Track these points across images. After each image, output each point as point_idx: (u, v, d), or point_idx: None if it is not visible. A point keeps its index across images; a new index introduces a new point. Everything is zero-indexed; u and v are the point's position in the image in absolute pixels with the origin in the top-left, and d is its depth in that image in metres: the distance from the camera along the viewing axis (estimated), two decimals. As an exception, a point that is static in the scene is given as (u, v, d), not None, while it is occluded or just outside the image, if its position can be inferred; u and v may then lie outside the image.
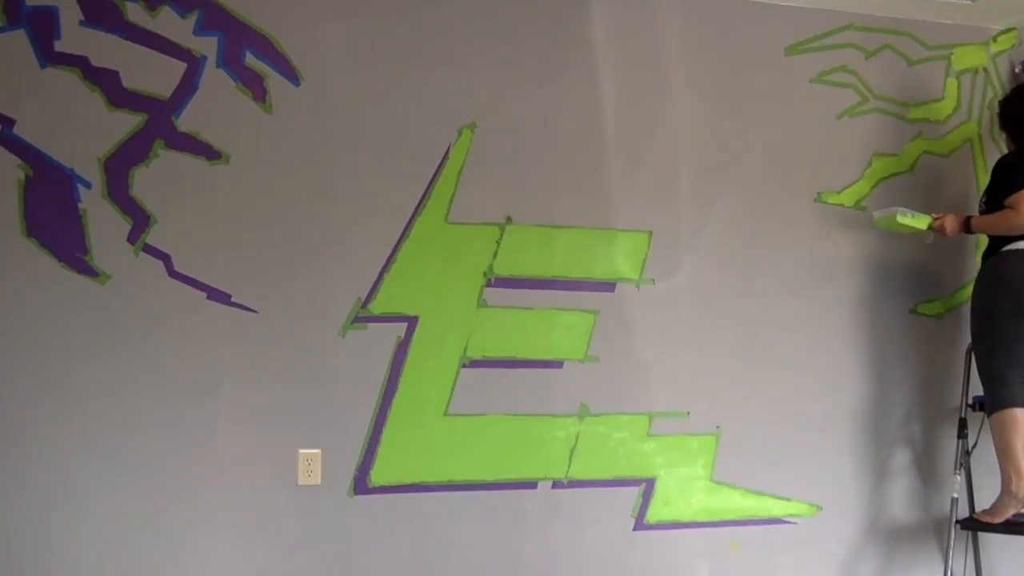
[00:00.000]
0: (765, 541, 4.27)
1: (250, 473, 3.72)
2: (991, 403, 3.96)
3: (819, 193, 4.41)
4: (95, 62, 3.64)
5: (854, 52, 4.49)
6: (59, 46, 3.61)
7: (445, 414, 3.92)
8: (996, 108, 4.25)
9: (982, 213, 4.13)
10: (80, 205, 3.61)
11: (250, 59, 3.79)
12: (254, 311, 3.75)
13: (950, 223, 4.14)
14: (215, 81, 3.75)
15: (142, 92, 3.68)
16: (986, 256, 4.12)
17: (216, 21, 3.76)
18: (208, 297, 3.71)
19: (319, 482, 3.78)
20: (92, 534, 3.57)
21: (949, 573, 4.17)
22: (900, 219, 4.14)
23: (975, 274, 4.18)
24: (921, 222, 4.16)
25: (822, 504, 4.35)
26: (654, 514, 4.14)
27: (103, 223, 3.63)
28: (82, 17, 3.63)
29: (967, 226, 4.11)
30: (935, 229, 4.19)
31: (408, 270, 3.90)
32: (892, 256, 4.50)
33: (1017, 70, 4.60)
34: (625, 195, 4.16)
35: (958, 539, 4.26)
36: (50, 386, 3.55)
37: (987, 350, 4.01)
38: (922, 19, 4.57)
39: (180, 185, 3.70)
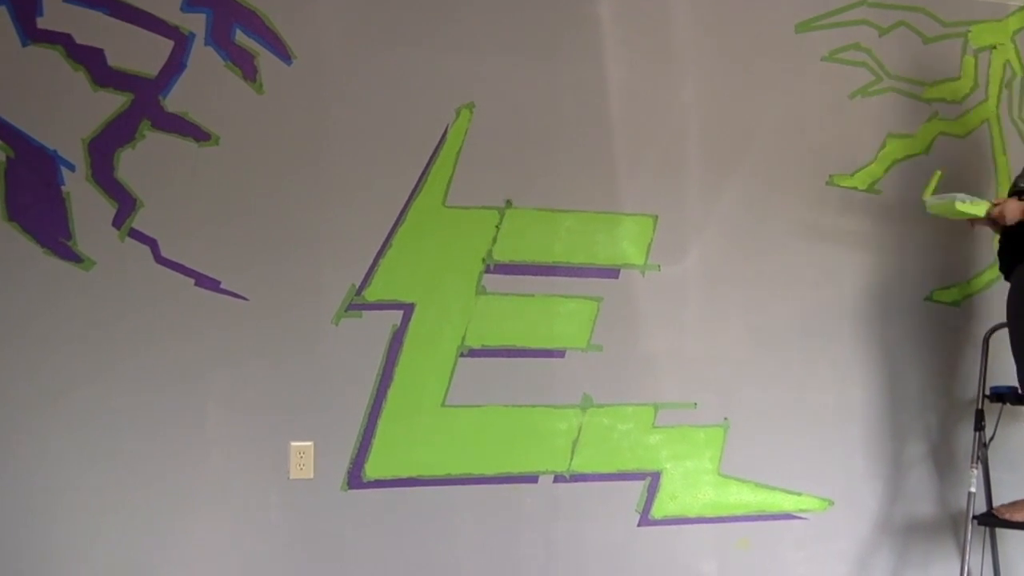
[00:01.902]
0: (775, 537, 4.26)
1: (240, 467, 3.70)
2: None
3: (831, 176, 4.39)
4: (79, 40, 3.61)
5: (867, 29, 4.47)
6: (41, 23, 3.58)
7: (442, 405, 3.90)
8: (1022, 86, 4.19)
9: (1011, 191, 4.03)
10: (63, 188, 3.58)
11: (240, 36, 3.76)
12: (244, 298, 3.73)
13: (1012, 209, 3.90)
14: (204, 59, 3.72)
15: (128, 71, 3.65)
16: (1017, 260, 3.97)
17: (205, -3, 3.75)
18: (196, 284, 3.68)
19: (312, 476, 3.76)
20: (74, 529, 3.54)
21: (966, 570, 4.13)
22: (960, 206, 3.94)
23: (993, 260, 4.16)
24: (979, 208, 3.96)
25: (834, 499, 4.34)
26: (659, 509, 4.13)
27: (87, 207, 3.59)
28: (65, -7, 3.61)
29: None
30: (993, 216, 3.96)
31: (404, 256, 3.87)
32: (907, 241, 4.48)
33: None
34: (630, 178, 4.13)
35: (975, 535, 4.22)
36: (31, 376, 3.52)
37: None
38: (938, -6, 4.58)
39: (167, 167, 3.67)
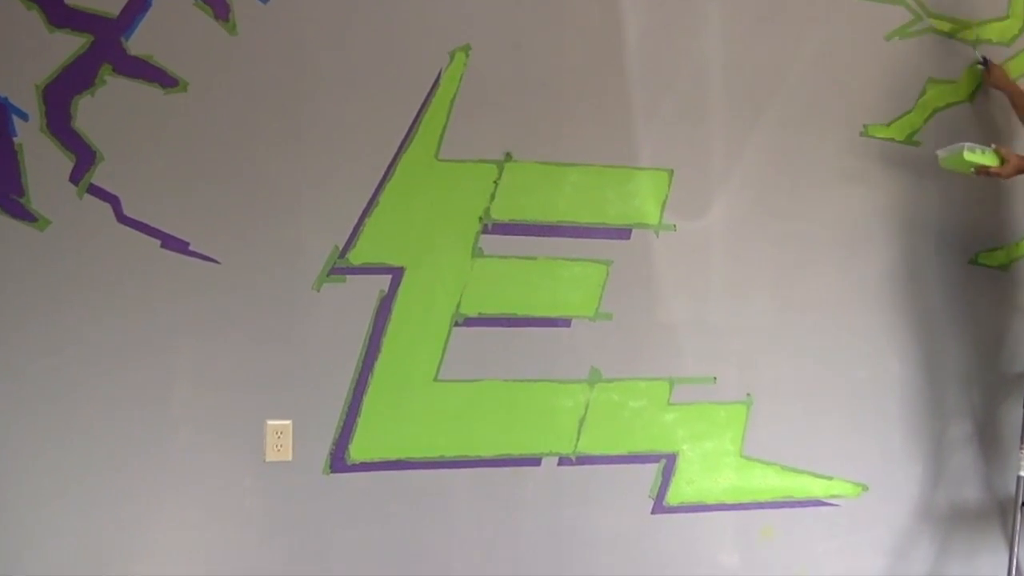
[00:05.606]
0: (803, 526, 4.25)
1: (211, 448, 3.68)
2: None
3: (865, 126, 4.34)
4: (32, -25, 3.58)
5: (905, -37, 4.44)
6: (-10, -43, 3.55)
7: (435, 380, 3.88)
8: None
9: None
10: (15, 140, 3.52)
11: (210, -29, 3.74)
12: (216, 261, 3.68)
13: (1012, 163, 4.09)
14: (170, -4, 3.69)
15: (86, 9, 3.57)
16: None
17: (170, -74, 3.69)
18: (162, 245, 3.64)
19: (290, 458, 3.75)
20: (25, 517, 3.53)
21: (1014, 561, 4.18)
22: (967, 156, 4.06)
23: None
24: (990, 159, 4.09)
25: (868, 483, 4.32)
26: (675, 494, 4.12)
27: (42, 160, 3.54)
28: (16, -78, 3.55)
29: None
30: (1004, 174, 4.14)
31: (393, 215, 3.83)
32: (949, 198, 4.44)
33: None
34: (643, 128, 4.09)
35: (1024, 523, 4.21)
36: (-23, 348, 3.51)
37: None
38: (984, -76, 4.52)
39: (131, 117, 3.61)
